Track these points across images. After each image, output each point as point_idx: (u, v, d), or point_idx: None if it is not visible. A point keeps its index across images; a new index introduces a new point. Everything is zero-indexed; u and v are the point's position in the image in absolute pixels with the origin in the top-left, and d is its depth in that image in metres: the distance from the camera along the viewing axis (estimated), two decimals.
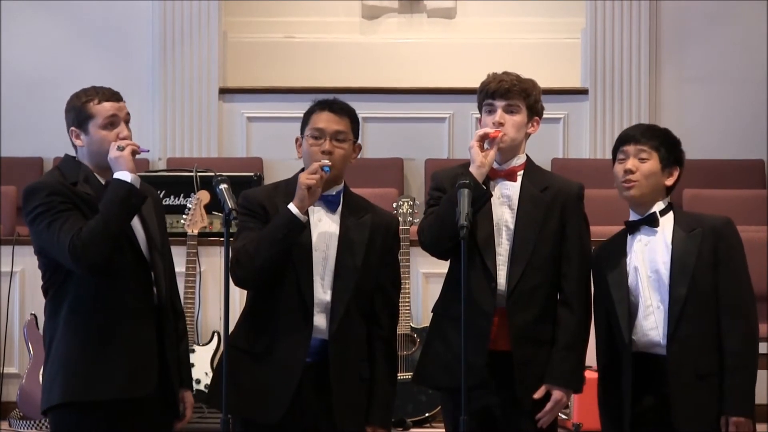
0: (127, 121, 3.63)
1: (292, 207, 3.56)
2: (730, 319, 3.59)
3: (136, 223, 3.63)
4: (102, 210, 3.49)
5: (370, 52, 8.90)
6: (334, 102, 3.74)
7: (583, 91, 8.50)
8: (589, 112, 8.46)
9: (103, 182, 3.60)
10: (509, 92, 3.73)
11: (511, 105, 3.74)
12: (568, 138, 8.50)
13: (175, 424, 3.72)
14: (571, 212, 3.77)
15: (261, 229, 3.62)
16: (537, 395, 3.69)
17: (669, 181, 3.72)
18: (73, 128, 3.65)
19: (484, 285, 3.68)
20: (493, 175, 3.75)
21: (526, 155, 3.82)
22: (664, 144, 3.70)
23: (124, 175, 3.51)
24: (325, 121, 3.69)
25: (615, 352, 3.71)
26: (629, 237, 3.71)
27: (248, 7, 8.94)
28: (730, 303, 3.60)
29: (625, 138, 3.72)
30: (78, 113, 3.62)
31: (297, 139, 3.78)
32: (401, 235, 5.89)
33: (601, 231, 5.86)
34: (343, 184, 3.76)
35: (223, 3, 8.60)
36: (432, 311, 3.89)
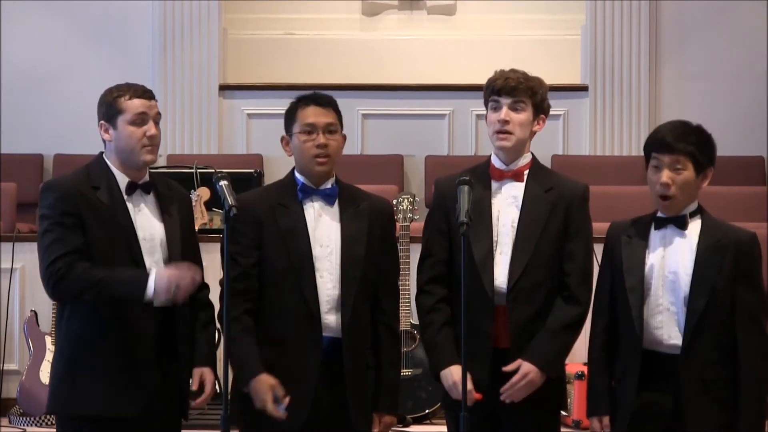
0: (156, 121, 3.64)
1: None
2: (745, 333, 3.56)
3: (150, 225, 3.63)
4: (113, 279, 3.47)
5: (370, 49, 8.90)
6: (317, 95, 3.76)
7: (583, 88, 8.50)
8: (589, 109, 8.46)
9: (123, 188, 3.60)
10: (515, 90, 3.71)
11: (517, 103, 3.71)
12: (568, 135, 8.50)
13: (192, 404, 3.69)
14: (575, 213, 3.75)
15: (252, 248, 3.64)
16: (508, 368, 3.63)
17: (703, 184, 3.67)
18: (102, 122, 3.65)
19: (483, 290, 3.66)
20: (500, 177, 3.75)
21: (532, 154, 3.80)
22: (698, 148, 3.62)
23: (151, 292, 3.48)
24: (313, 115, 3.70)
25: (614, 335, 3.68)
26: (654, 230, 3.67)
27: (248, 4, 8.94)
28: (747, 319, 3.57)
29: (660, 144, 3.61)
30: (108, 108, 3.63)
31: (283, 138, 3.78)
32: (401, 233, 5.91)
33: (600, 227, 5.86)
34: (335, 175, 3.76)
35: (223, 0, 8.60)
36: None
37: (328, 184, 3.72)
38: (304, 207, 3.70)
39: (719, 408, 3.56)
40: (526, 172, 3.76)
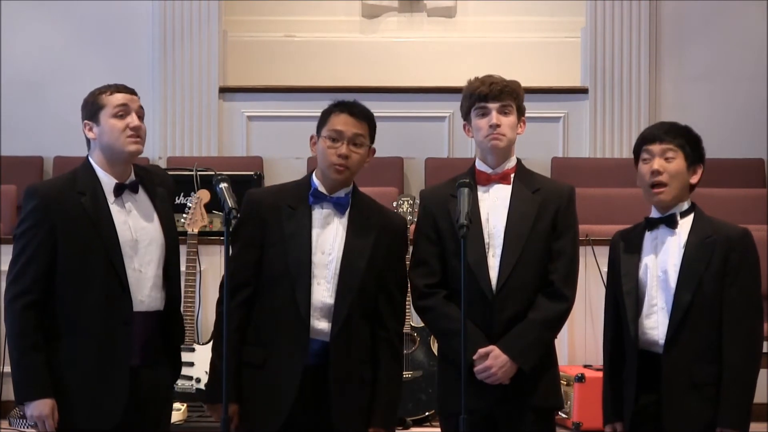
0: (140, 115, 3.64)
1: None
2: (731, 331, 3.55)
3: (141, 226, 3.63)
4: (21, 360, 3.51)
5: (370, 51, 8.90)
6: (354, 105, 3.73)
7: (583, 90, 8.50)
8: (589, 111, 8.46)
9: (111, 191, 3.60)
10: (502, 93, 3.74)
11: (505, 106, 3.74)
12: (568, 137, 8.50)
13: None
14: (563, 213, 3.77)
15: (254, 246, 3.64)
16: (480, 353, 3.64)
17: (694, 179, 3.69)
18: (86, 121, 3.65)
19: (481, 292, 3.67)
20: (487, 180, 3.77)
21: (517, 158, 3.83)
22: (689, 142, 3.67)
23: (28, 406, 3.52)
24: (343, 123, 3.67)
25: (621, 343, 3.69)
26: (647, 232, 3.69)
27: (248, 5, 8.94)
28: (733, 315, 3.56)
29: (649, 137, 3.68)
30: (91, 106, 3.64)
31: (312, 137, 3.76)
32: None
33: (600, 230, 5.86)
34: (352, 185, 3.75)
35: (223, 2, 8.61)
36: None
37: (342, 193, 3.70)
38: (313, 212, 3.69)
39: (705, 406, 3.55)
40: (512, 175, 3.78)
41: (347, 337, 3.62)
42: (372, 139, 3.74)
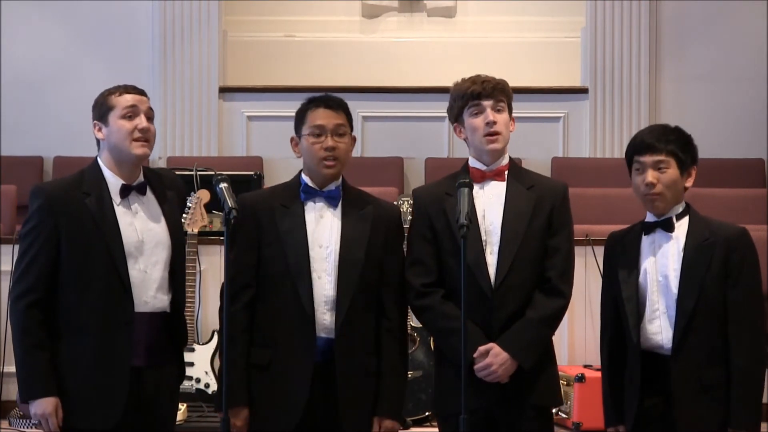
0: (149, 117, 3.65)
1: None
2: (736, 332, 3.55)
3: (148, 228, 3.64)
4: (24, 359, 3.52)
5: (370, 51, 8.91)
6: (327, 98, 3.77)
7: (583, 90, 8.51)
8: (589, 111, 8.46)
9: (117, 192, 3.61)
10: (495, 91, 3.74)
11: (498, 103, 3.75)
12: (568, 137, 8.50)
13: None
14: (558, 211, 3.77)
15: (251, 249, 3.65)
16: (480, 350, 3.64)
17: (689, 183, 3.67)
18: (95, 122, 3.67)
19: (480, 290, 3.67)
20: (482, 178, 3.76)
21: (509, 156, 3.83)
22: (680, 146, 3.63)
23: (31, 405, 3.53)
24: (323, 117, 3.71)
25: (621, 346, 3.69)
26: (644, 237, 3.68)
27: (248, 5, 8.95)
28: (737, 316, 3.56)
29: (640, 147, 3.65)
30: (100, 107, 3.66)
31: (292, 139, 3.79)
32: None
33: (599, 230, 5.87)
34: (341, 178, 3.77)
35: (223, 2, 8.61)
36: None
37: (332, 186, 3.73)
38: (306, 208, 3.71)
39: (715, 408, 3.55)
40: (506, 172, 3.79)
41: (351, 329, 3.64)
42: (351, 127, 3.77)
